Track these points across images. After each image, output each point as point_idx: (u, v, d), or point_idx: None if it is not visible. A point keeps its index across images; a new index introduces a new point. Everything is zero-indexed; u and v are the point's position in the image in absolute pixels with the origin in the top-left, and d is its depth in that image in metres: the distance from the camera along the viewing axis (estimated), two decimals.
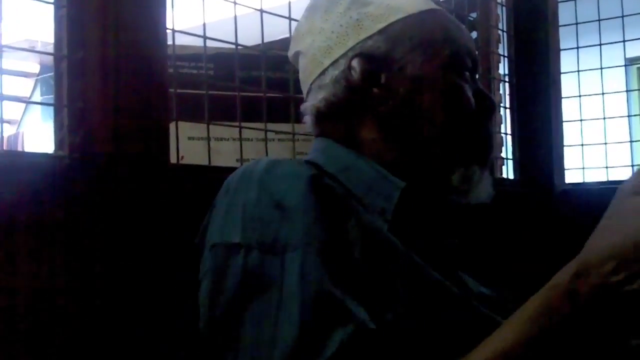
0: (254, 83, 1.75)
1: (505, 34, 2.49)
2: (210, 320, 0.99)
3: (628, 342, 0.85)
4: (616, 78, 2.72)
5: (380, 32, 1.21)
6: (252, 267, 0.96)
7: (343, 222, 1.02)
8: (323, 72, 1.23)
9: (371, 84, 1.20)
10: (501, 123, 2.46)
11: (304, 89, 1.30)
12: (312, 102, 1.25)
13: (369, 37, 1.21)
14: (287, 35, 1.70)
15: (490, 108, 1.23)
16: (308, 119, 1.28)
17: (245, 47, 1.65)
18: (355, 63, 1.20)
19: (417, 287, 1.05)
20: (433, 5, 1.26)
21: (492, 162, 1.22)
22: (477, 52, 1.27)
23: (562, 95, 2.49)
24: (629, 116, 2.82)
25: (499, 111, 2.43)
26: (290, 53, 1.34)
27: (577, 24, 2.48)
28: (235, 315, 0.95)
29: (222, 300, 0.97)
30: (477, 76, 1.26)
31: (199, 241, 1.09)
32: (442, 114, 1.17)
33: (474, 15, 2.41)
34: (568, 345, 0.85)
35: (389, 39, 1.20)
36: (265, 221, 0.98)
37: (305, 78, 1.28)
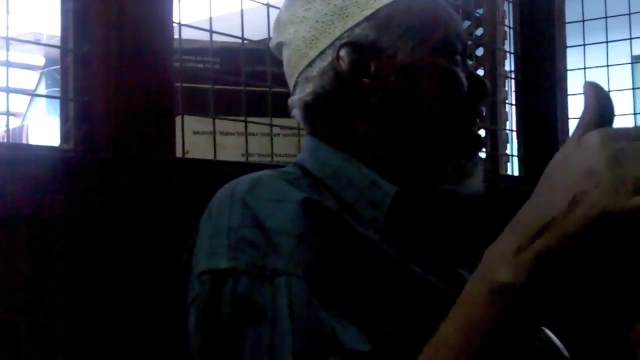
0: (260, 77, 1.75)
1: (511, 30, 2.48)
2: (204, 349, 0.97)
3: (605, 334, 0.82)
4: (622, 75, 2.71)
5: (367, 19, 1.16)
6: (242, 293, 0.93)
7: (334, 239, 0.99)
8: (310, 64, 1.19)
9: (361, 75, 1.15)
10: (506, 120, 2.45)
11: (290, 81, 1.25)
12: (299, 95, 1.20)
13: (356, 25, 1.16)
14: None
15: (483, 92, 1.19)
16: (297, 113, 1.23)
17: (251, 41, 1.65)
18: (343, 53, 1.15)
19: (415, 299, 1.03)
20: None
21: (480, 157, 1.20)
22: (466, 35, 1.23)
23: (568, 92, 2.48)
24: (634, 114, 2.82)
25: (505, 107, 2.43)
26: (271, 44, 1.30)
27: (583, 21, 2.48)
28: (231, 345, 0.93)
29: (215, 330, 0.95)
30: (468, 61, 1.23)
31: (186, 263, 1.06)
32: (436, 102, 1.14)
33: (480, 11, 2.40)
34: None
35: (377, 26, 1.16)
36: (251, 244, 0.95)
37: (291, 70, 1.23)
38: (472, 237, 1.31)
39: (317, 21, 1.18)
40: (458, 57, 1.17)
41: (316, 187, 1.11)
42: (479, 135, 1.22)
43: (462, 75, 1.16)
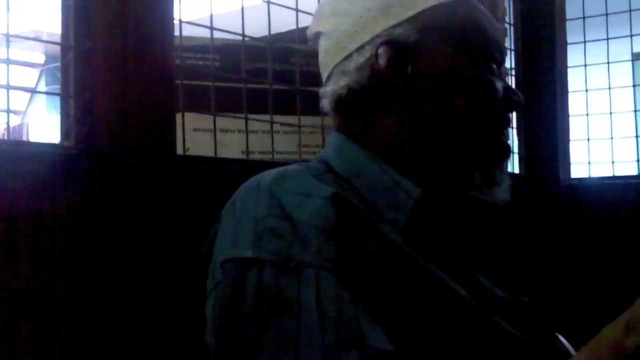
0: (260, 75, 1.75)
1: (512, 27, 2.48)
2: (224, 339, 0.96)
3: None
4: (623, 72, 2.70)
5: (409, 19, 1.15)
6: (266, 283, 0.92)
7: (360, 238, 0.98)
8: (347, 58, 1.17)
9: (397, 74, 1.14)
10: None
11: (324, 72, 1.24)
12: (332, 87, 1.19)
13: (398, 24, 1.15)
14: (294, 27, 1.70)
15: (517, 102, 1.19)
16: (326, 103, 1.21)
17: (251, 38, 1.65)
18: (381, 51, 1.14)
19: (437, 303, 1.02)
20: None
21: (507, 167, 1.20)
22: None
23: (569, 90, 2.48)
24: (635, 111, 2.81)
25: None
26: (309, 32, 1.28)
27: (584, 18, 2.48)
28: (253, 336, 0.91)
29: (238, 320, 0.94)
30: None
31: (207, 252, 1.06)
32: (470, 109, 1.13)
33: None
34: None
35: (419, 27, 1.15)
36: (278, 234, 0.95)
37: (327, 61, 1.22)
38: (481, 239, 1.31)
39: (360, 16, 1.17)
40: (495, 67, 1.17)
41: (341, 184, 1.10)
42: (508, 144, 1.22)
43: (499, 86, 1.16)
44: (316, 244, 0.94)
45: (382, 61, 1.14)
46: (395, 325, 0.95)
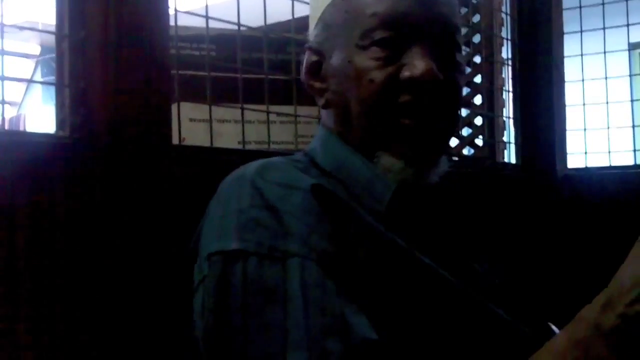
0: (256, 65, 1.75)
1: (508, 17, 2.48)
2: (212, 330, 0.96)
3: None
4: (619, 62, 2.71)
5: (319, 20, 1.20)
6: (252, 274, 0.93)
7: (343, 228, 0.99)
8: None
9: (313, 77, 1.20)
10: (503, 107, 2.45)
11: None
12: None
13: (315, 27, 1.21)
14: (290, 17, 1.69)
15: (410, 80, 1.09)
16: None
17: (248, 28, 1.65)
18: (306, 56, 1.21)
19: (422, 286, 1.02)
20: None
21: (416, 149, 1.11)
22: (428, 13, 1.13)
23: (565, 79, 2.48)
24: (631, 100, 2.82)
25: (501, 94, 2.43)
26: None
27: (580, 7, 2.48)
28: (240, 326, 0.92)
29: (225, 311, 0.94)
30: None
31: (194, 246, 1.06)
32: (356, 104, 1.11)
33: None
34: None
35: (323, 27, 1.18)
36: (262, 225, 0.96)
37: None
38: (472, 226, 1.31)
39: (312, 24, 1.23)
40: (375, 48, 1.10)
41: (326, 177, 1.12)
42: (406, 127, 1.11)
43: (379, 72, 1.09)
44: (300, 233, 0.95)
45: (305, 66, 1.21)
46: (381, 313, 0.95)
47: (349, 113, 1.13)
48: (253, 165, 1.04)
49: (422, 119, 1.10)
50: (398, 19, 1.10)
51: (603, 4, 2.42)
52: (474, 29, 2.43)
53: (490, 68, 2.39)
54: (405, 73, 1.08)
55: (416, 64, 1.08)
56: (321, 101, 1.19)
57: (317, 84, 1.19)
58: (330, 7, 1.17)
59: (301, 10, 1.53)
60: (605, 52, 2.44)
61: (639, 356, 0.79)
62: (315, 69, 1.19)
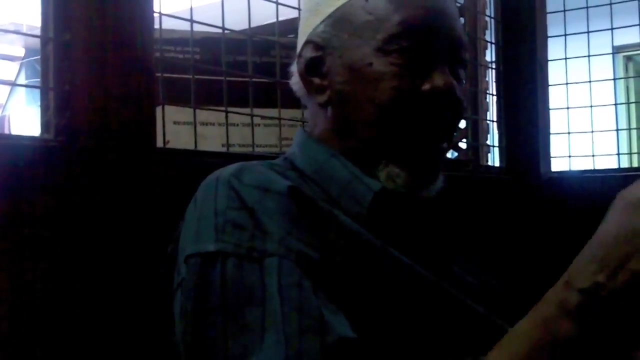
0: (241, 68, 1.75)
1: (492, 20, 2.49)
2: (192, 333, 0.95)
3: (630, 354, 0.83)
4: (603, 66, 2.73)
5: (329, 16, 1.16)
6: (230, 275, 0.93)
7: (321, 229, 0.99)
8: (297, 58, 1.23)
9: (313, 73, 1.18)
10: (487, 110, 2.46)
11: None
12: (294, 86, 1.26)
13: (321, 22, 1.17)
14: (274, 20, 1.70)
15: (439, 103, 1.11)
16: None
17: (232, 31, 1.65)
18: (304, 51, 1.19)
19: (403, 287, 1.03)
20: None
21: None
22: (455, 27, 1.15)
23: (549, 83, 2.49)
24: (615, 104, 2.84)
25: (485, 97, 2.44)
26: None
27: (564, 11, 2.48)
28: (220, 327, 0.91)
29: (205, 313, 0.94)
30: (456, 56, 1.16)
31: (172, 250, 1.06)
32: (370, 108, 1.10)
33: (461, 1, 2.40)
34: (568, 357, 0.82)
35: (335, 23, 1.15)
36: (239, 226, 0.96)
37: None
38: (455, 230, 1.31)
39: (302, 17, 1.22)
40: (397, 55, 1.10)
41: (304, 180, 1.12)
42: (419, 140, 1.12)
43: (397, 78, 1.09)
44: (278, 234, 0.95)
45: (302, 61, 1.19)
46: (359, 312, 0.95)
47: (355, 114, 1.13)
48: (229, 168, 1.04)
49: (436, 134, 1.13)
50: (424, 31, 1.11)
51: (587, 7, 2.43)
52: None
53: (474, 71, 2.39)
54: (427, 86, 1.10)
55: (438, 79, 1.10)
56: (322, 98, 1.17)
57: (317, 80, 1.18)
58: (348, 5, 1.15)
59: (285, 14, 1.53)
60: (589, 56, 2.45)
61: (601, 330, 0.80)
62: (315, 65, 1.18)
